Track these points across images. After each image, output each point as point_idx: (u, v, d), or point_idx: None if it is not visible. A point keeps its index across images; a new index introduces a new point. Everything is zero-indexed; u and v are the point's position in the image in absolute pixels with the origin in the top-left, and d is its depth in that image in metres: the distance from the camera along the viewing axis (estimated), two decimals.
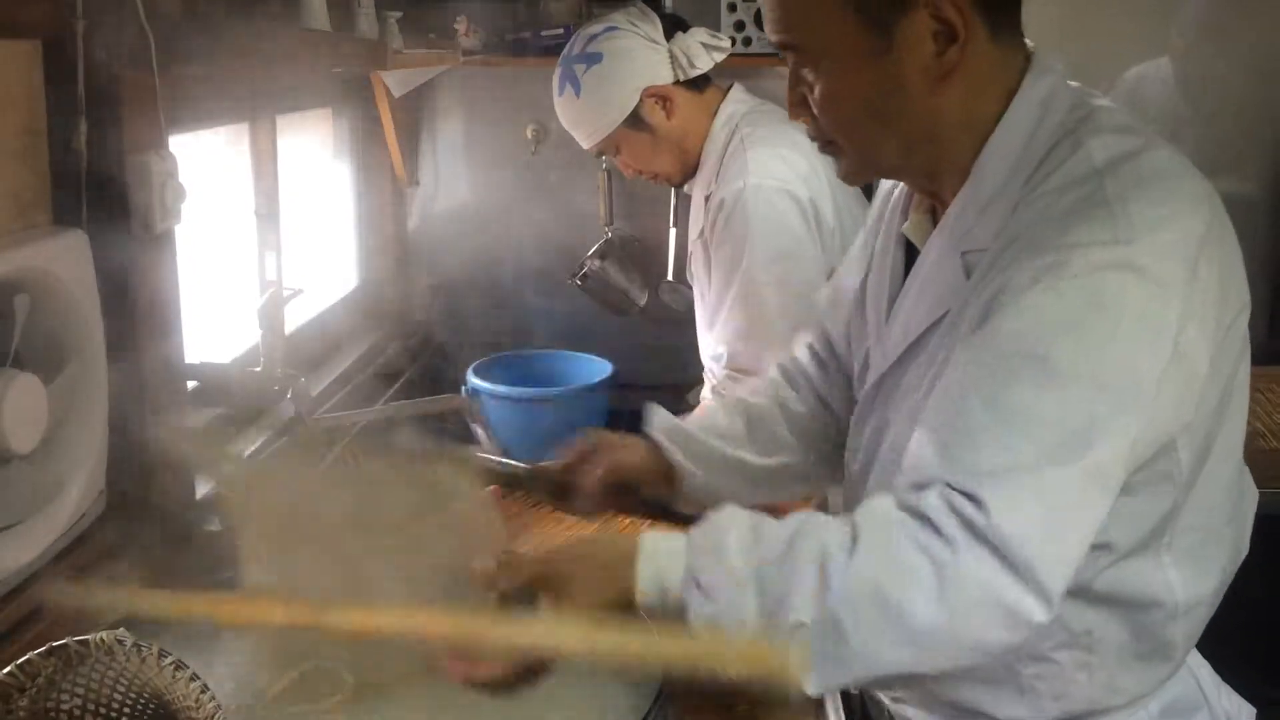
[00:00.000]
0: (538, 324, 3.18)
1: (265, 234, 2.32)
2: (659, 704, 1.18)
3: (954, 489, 1.02)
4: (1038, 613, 1.00)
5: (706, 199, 2.18)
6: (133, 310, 1.52)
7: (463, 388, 2.74)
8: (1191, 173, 1.13)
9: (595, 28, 2.16)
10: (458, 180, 3.20)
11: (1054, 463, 1.02)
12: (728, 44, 2.20)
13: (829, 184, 2.13)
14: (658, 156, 2.21)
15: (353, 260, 3.04)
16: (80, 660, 0.99)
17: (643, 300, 3.09)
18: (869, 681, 1.14)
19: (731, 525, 1.09)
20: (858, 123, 1.17)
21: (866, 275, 1.41)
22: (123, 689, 0.99)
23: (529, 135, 3.11)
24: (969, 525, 1.00)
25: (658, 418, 1.55)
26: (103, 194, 1.46)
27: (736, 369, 2.12)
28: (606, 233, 3.10)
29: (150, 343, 1.56)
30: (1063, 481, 1.02)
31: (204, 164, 2.14)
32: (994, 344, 1.06)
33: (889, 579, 1.00)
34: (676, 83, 2.15)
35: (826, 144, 1.22)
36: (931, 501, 1.02)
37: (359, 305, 2.96)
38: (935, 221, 1.24)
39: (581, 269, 3.01)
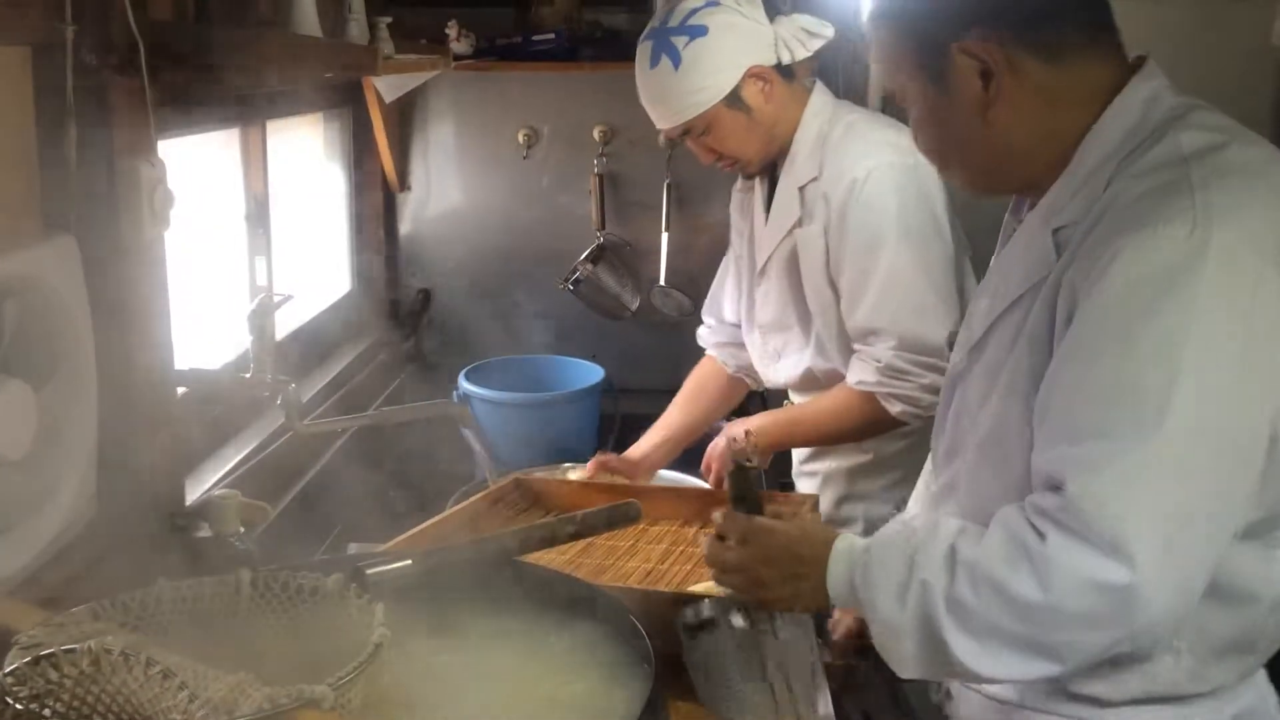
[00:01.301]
0: (529, 329, 3.18)
1: (255, 239, 2.32)
2: (650, 710, 1.18)
3: (1044, 487, 1.17)
4: (1121, 575, 1.10)
5: (801, 190, 2.11)
6: (122, 316, 1.52)
7: (454, 393, 2.74)
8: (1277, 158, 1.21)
9: (694, 1, 2.05)
10: (449, 185, 3.20)
11: (1131, 439, 1.11)
12: (830, 32, 2.11)
13: None
14: (748, 140, 2.11)
15: (344, 265, 3.04)
16: (67, 668, 0.99)
17: (635, 305, 3.09)
18: (1003, 655, 1.20)
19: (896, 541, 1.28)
20: (943, 154, 1.37)
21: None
22: (108, 698, 0.99)
23: (520, 140, 3.11)
24: (1051, 515, 1.14)
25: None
26: (92, 200, 1.46)
27: (909, 349, 2.01)
28: (598, 237, 3.10)
29: (140, 348, 1.56)
30: (1142, 455, 1.11)
31: (194, 169, 2.14)
32: (1080, 333, 1.16)
33: (1001, 565, 1.17)
34: (775, 66, 2.07)
35: (940, 169, 1.42)
36: (1033, 496, 1.18)
37: (350, 310, 2.96)
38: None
39: (573, 274, 3.01)
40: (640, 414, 2.81)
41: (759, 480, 1.49)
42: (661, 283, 3.07)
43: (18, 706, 0.98)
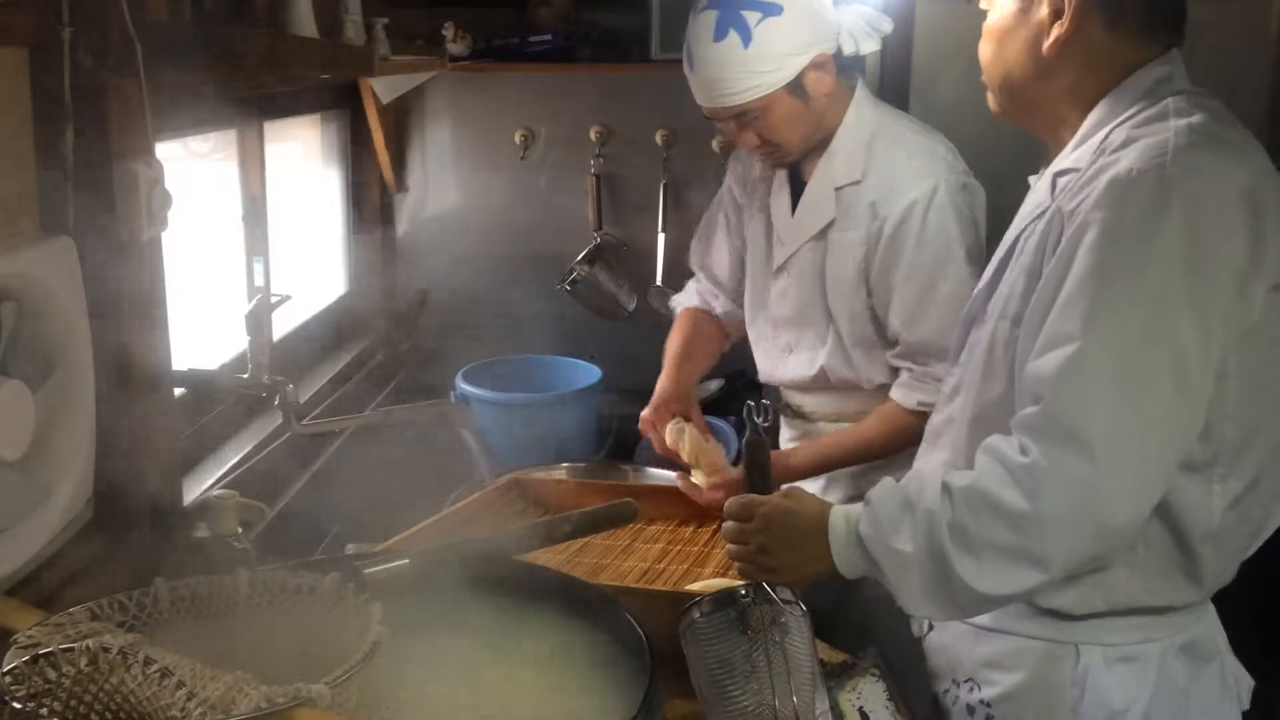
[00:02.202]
0: (526, 329, 3.18)
1: (252, 240, 2.33)
2: (647, 708, 1.18)
3: (1029, 396, 1.31)
4: (1084, 469, 1.25)
5: (838, 190, 2.07)
6: (120, 317, 1.52)
7: (451, 393, 2.75)
8: (1254, 146, 1.35)
9: None
10: (446, 186, 3.20)
11: (1093, 347, 1.25)
12: (889, 27, 2.05)
13: None
14: (797, 129, 2.04)
15: (341, 266, 3.04)
16: (65, 667, 0.99)
17: (631, 305, 3.09)
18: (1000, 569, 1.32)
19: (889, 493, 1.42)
20: (993, 65, 1.49)
21: None
22: (105, 697, 0.99)
23: (517, 141, 3.12)
24: (1031, 425, 1.29)
25: None
26: (89, 201, 1.46)
27: None
28: (595, 238, 3.10)
29: (137, 349, 1.56)
30: (1102, 361, 1.26)
31: (192, 170, 2.14)
32: (1061, 259, 1.31)
33: (993, 484, 1.30)
34: (836, 56, 2.01)
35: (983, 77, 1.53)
36: (1017, 421, 1.32)
37: (347, 311, 2.97)
38: None
39: (570, 274, 3.02)
40: (637, 414, 2.81)
41: (768, 454, 1.55)
42: (658, 283, 3.08)
43: (15, 705, 0.98)
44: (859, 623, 1.81)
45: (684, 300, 2.45)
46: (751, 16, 1.92)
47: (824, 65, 1.99)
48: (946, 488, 1.34)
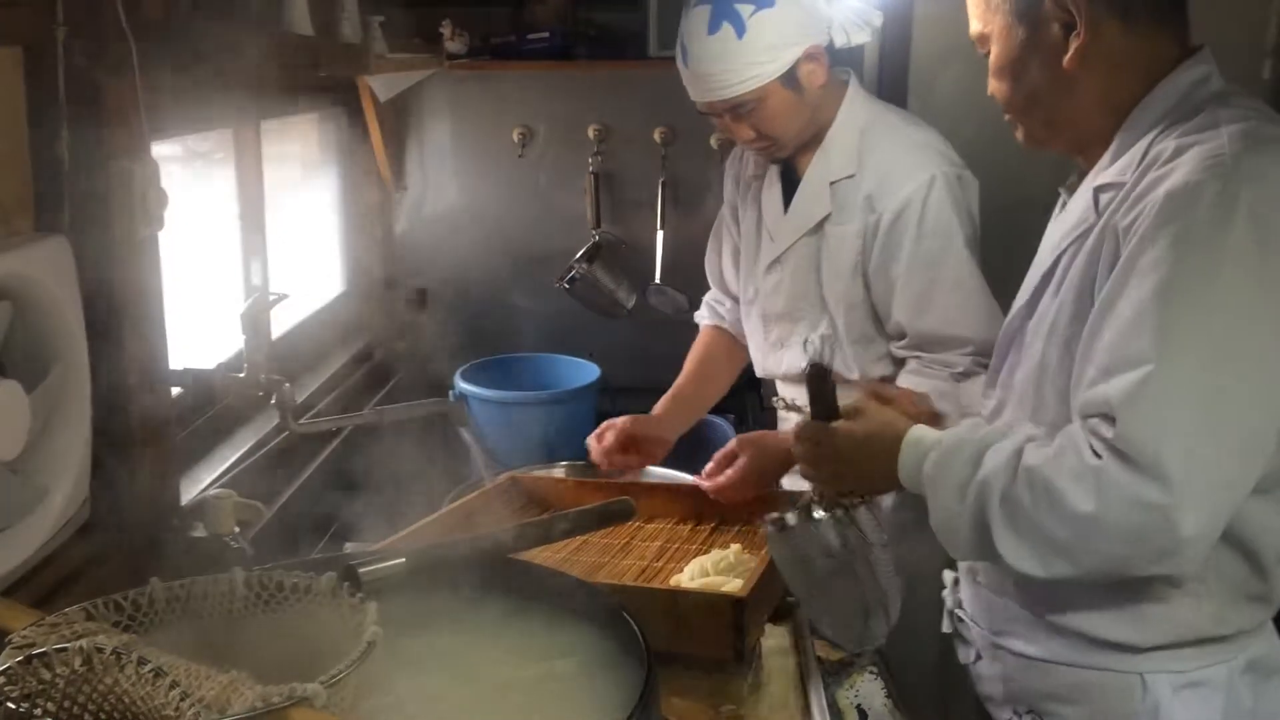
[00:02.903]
0: (525, 328, 3.18)
1: (250, 239, 2.32)
2: (644, 705, 1.18)
3: (1098, 415, 1.26)
4: (1160, 495, 1.21)
5: (832, 184, 2.08)
6: (116, 316, 1.52)
7: (450, 392, 2.74)
8: None
9: None
10: (444, 184, 3.20)
11: (1166, 368, 1.22)
12: (879, 21, 2.08)
13: None
14: (791, 122, 2.05)
15: (339, 265, 3.04)
16: (59, 667, 0.99)
17: (630, 303, 3.09)
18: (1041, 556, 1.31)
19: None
20: (1015, 97, 1.45)
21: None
22: (99, 697, 0.99)
23: (515, 139, 3.11)
24: (1104, 439, 1.24)
25: None
26: (85, 200, 1.46)
27: (988, 354, 2.00)
28: (594, 236, 3.10)
29: (134, 348, 1.56)
30: (1175, 383, 1.22)
31: (192, 169, 2.14)
32: (1124, 273, 1.27)
33: (1060, 477, 1.27)
34: (829, 48, 2.03)
35: (1007, 115, 1.50)
36: (1087, 421, 1.28)
37: (346, 310, 2.96)
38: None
39: (569, 272, 3.01)
40: (636, 412, 2.81)
41: (832, 383, 1.54)
42: (657, 281, 3.07)
43: (9, 706, 0.98)
44: None
45: (701, 315, 2.50)
46: (745, 9, 1.94)
47: (817, 57, 2.01)
48: (1015, 459, 1.32)
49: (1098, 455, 1.25)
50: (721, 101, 2.01)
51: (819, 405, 1.51)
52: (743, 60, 1.96)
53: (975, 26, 1.47)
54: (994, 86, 1.47)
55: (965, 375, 2.00)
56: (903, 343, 2.06)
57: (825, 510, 1.47)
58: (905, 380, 2.03)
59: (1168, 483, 1.20)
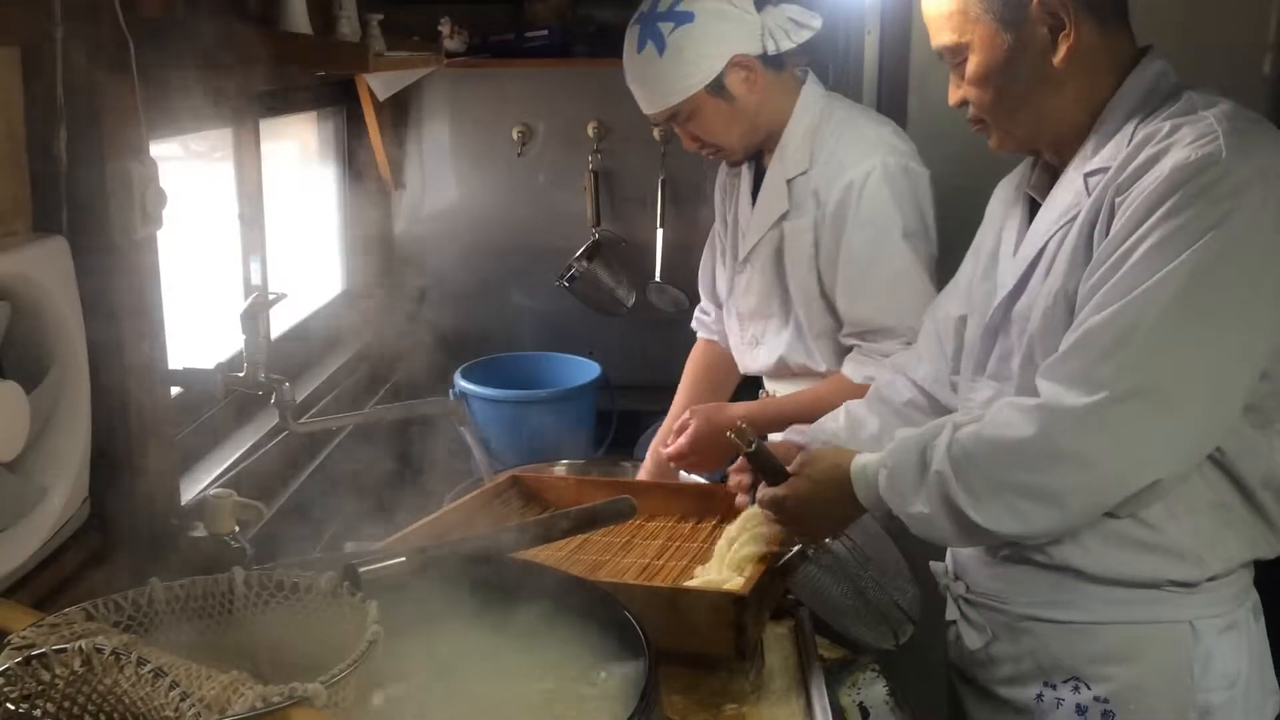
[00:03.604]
0: (525, 326, 3.18)
1: (249, 238, 2.32)
2: (645, 704, 1.18)
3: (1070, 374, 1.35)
4: (1077, 398, 1.32)
5: (789, 182, 2.13)
6: (115, 316, 1.51)
7: (450, 390, 2.74)
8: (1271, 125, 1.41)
9: None
10: (444, 183, 3.20)
11: (1141, 306, 1.30)
12: (818, 23, 2.13)
13: None
14: (730, 129, 2.13)
15: (338, 264, 3.03)
16: (58, 668, 0.99)
17: (630, 301, 3.09)
18: (1011, 512, 1.39)
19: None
20: (1000, 104, 1.49)
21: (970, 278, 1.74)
22: (99, 698, 0.99)
23: (515, 137, 3.11)
24: (1048, 372, 1.37)
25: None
26: (83, 200, 1.45)
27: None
28: (594, 234, 3.10)
29: (133, 349, 1.56)
30: (1145, 319, 1.30)
31: (191, 169, 2.13)
32: (1115, 232, 1.35)
33: (1002, 425, 1.39)
34: (761, 56, 2.09)
35: (976, 123, 1.54)
36: (1067, 371, 1.36)
37: (345, 309, 2.96)
38: (1053, 178, 1.54)
39: (569, 270, 3.01)
40: (637, 410, 2.81)
41: (767, 451, 1.67)
42: (657, 278, 3.07)
43: (9, 707, 0.98)
44: None
45: (695, 325, 2.54)
46: (665, 26, 2.04)
47: (746, 65, 2.07)
48: (953, 440, 1.41)
49: (1036, 393, 1.37)
50: (659, 113, 2.12)
51: (768, 474, 1.65)
52: (666, 75, 2.07)
53: (946, 39, 1.49)
54: (974, 94, 1.50)
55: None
56: (845, 331, 2.13)
57: (811, 555, 1.62)
58: (846, 367, 2.11)
59: (1093, 386, 1.31)
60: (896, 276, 2.05)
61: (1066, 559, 1.49)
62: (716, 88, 2.07)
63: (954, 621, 1.69)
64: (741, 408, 2.22)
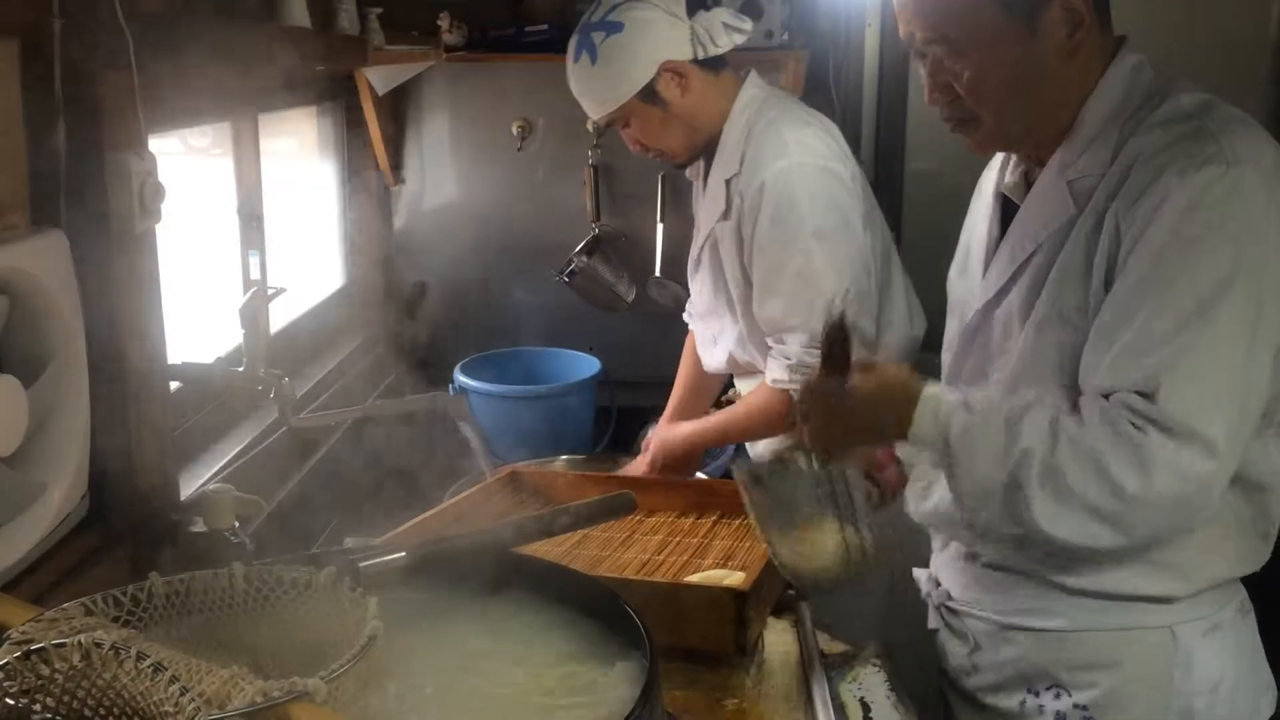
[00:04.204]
0: (525, 321, 3.17)
1: (248, 233, 2.32)
2: (646, 699, 1.18)
3: (1132, 391, 1.31)
4: (1208, 465, 1.28)
5: (727, 182, 2.16)
6: (113, 310, 1.51)
7: (449, 386, 2.74)
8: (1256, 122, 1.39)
9: None
10: (443, 178, 3.19)
11: (1200, 345, 1.29)
12: (749, 26, 2.18)
13: (853, 164, 2.20)
14: (667, 133, 2.18)
15: (338, 259, 3.03)
16: (57, 663, 0.98)
17: (630, 296, 3.08)
18: (1083, 523, 1.34)
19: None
20: (1004, 99, 1.42)
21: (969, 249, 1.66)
22: (99, 693, 0.98)
23: (515, 132, 3.10)
24: (1146, 415, 1.29)
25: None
26: (82, 194, 1.45)
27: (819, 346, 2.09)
28: (594, 229, 3.09)
29: (132, 343, 1.55)
30: (1209, 357, 1.29)
31: (191, 164, 2.13)
32: (1144, 259, 1.32)
33: (1105, 450, 1.30)
34: (695, 61, 2.12)
35: (960, 123, 1.47)
36: (1118, 398, 1.32)
37: (345, 304, 2.96)
38: (1029, 180, 1.51)
39: (569, 265, 3.00)
40: (637, 405, 2.80)
41: (848, 344, 1.55)
42: (657, 273, 3.07)
43: (8, 702, 0.97)
44: (862, 613, 1.82)
45: (687, 319, 2.58)
46: (597, 36, 2.11)
47: (678, 70, 2.11)
48: (1055, 426, 1.34)
49: (1138, 429, 1.29)
50: (599, 120, 2.21)
51: (831, 363, 1.52)
52: (599, 84, 2.14)
53: (936, 28, 1.41)
54: (970, 89, 1.42)
55: (806, 368, 2.08)
56: (763, 329, 2.18)
57: (819, 462, 1.51)
58: (768, 369, 2.16)
59: (1213, 451, 1.28)
60: (801, 276, 2.08)
61: (1044, 569, 1.48)
62: (648, 94, 2.11)
63: (937, 630, 1.68)
64: (689, 426, 2.32)
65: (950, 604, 1.65)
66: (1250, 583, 1.53)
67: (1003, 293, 1.49)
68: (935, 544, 1.71)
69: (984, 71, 1.41)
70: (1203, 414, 1.28)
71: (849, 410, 1.48)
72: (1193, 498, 1.31)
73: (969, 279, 1.61)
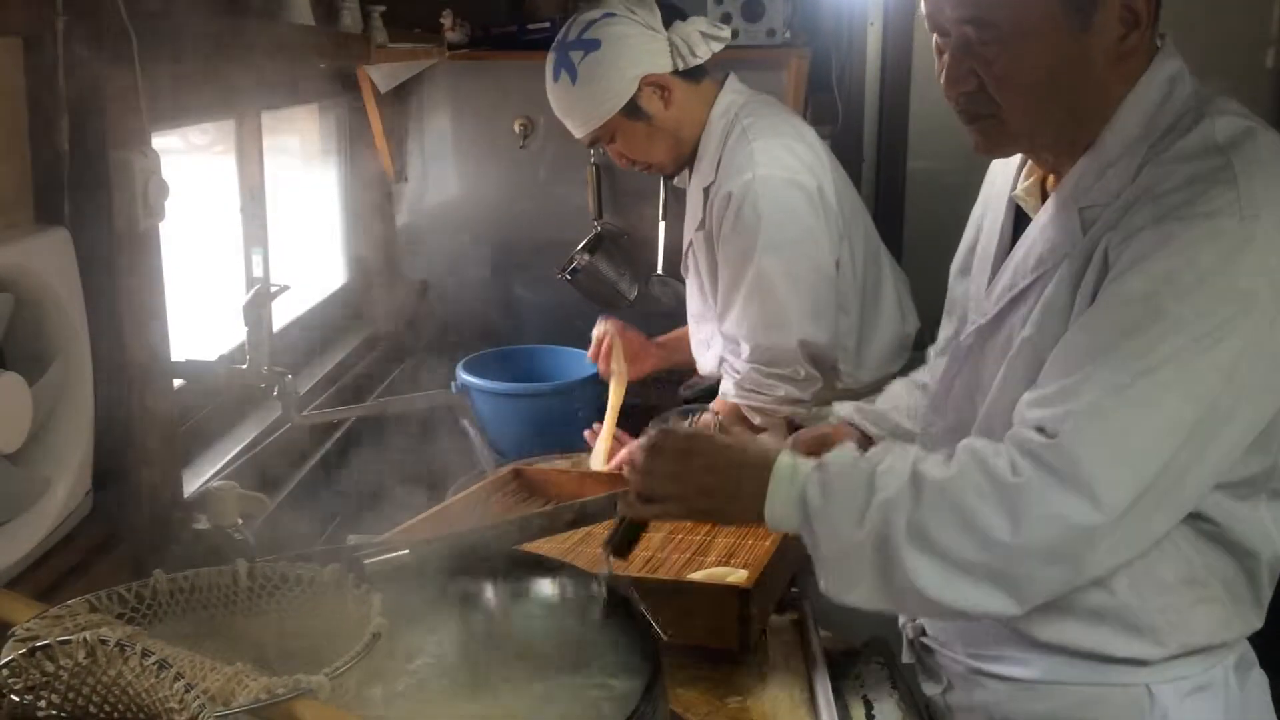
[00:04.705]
0: (527, 319, 3.17)
1: (251, 230, 2.32)
2: (649, 696, 1.18)
3: (1034, 427, 1.18)
4: (1084, 514, 1.14)
5: (706, 190, 2.16)
6: (117, 308, 1.51)
7: (452, 383, 2.74)
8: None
9: (592, 14, 2.12)
10: (446, 175, 3.19)
11: (1142, 400, 1.15)
12: (727, 34, 2.18)
13: (830, 170, 2.16)
14: (653, 146, 2.18)
15: (340, 257, 3.03)
16: (62, 659, 0.99)
17: (632, 294, 3.08)
18: (959, 583, 1.20)
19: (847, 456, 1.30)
20: (1037, 95, 1.26)
21: (974, 247, 1.55)
22: (103, 689, 0.98)
23: (517, 129, 3.10)
24: (1034, 453, 1.16)
25: (842, 408, 1.75)
26: (86, 192, 1.45)
27: (761, 362, 2.11)
28: (595, 227, 3.09)
29: (135, 341, 1.56)
30: (1148, 416, 1.15)
31: (192, 162, 2.13)
32: (1113, 302, 1.19)
33: (969, 493, 1.18)
34: (675, 72, 2.12)
35: (975, 117, 1.31)
36: (1016, 433, 1.20)
37: (347, 301, 2.96)
38: (1044, 189, 1.38)
39: (571, 263, 3.00)
40: (639, 404, 2.80)
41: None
42: (659, 271, 3.06)
43: (14, 698, 0.98)
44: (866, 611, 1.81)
45: None
46: (575, 55, 2.10)
47: (659, 83, 2.12)
48: (916, 479, 1.21)
49: (1015, 470, 1.17)
50: (582, 138, 2.21)
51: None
52: (581, 103, 2.14)
53: (964, 10, 1.24)
54: (1004, 86, 1.26)
55: (750, 383, 2.14)
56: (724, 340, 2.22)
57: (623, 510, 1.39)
58: (722, 383, 2.20)
59: (1100, 506, 1.14)
60: (753, 289, 2.09)
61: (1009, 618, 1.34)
62: (631, 110, 2.11)
63: (911, 664, 1.61)
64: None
65: (923, 640, 1.56)
66: (1265, 640, 1.42)
67: (999, 318, 1.37)
68: None
69: (1020, 63, 1.24)
70: (1103, 465, 1.14)
71: (696, 452, 1.34)
72: (1070, 547, 1.16)
73: (969, 281, 1.53)
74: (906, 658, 1.62)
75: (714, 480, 1.33)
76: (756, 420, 2.15)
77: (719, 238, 2.13)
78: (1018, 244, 1.39)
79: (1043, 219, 1.35)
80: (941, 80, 1.32)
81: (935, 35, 1.31)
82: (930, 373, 1.71)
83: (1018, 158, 1.47)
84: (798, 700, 1.53)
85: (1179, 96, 1.26)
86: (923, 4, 1.31)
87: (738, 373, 2.13)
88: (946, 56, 1.30)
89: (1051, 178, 1.38)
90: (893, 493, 1.22)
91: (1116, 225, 1.22)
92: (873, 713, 1.53)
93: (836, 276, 2.14)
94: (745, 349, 2.11)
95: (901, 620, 1.61)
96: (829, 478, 1.27)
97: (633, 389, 2.88)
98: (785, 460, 1.30)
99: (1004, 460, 1.19)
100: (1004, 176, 1.50)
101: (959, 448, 1.24)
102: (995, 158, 1.44)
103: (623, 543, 1.41)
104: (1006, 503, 1.16)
